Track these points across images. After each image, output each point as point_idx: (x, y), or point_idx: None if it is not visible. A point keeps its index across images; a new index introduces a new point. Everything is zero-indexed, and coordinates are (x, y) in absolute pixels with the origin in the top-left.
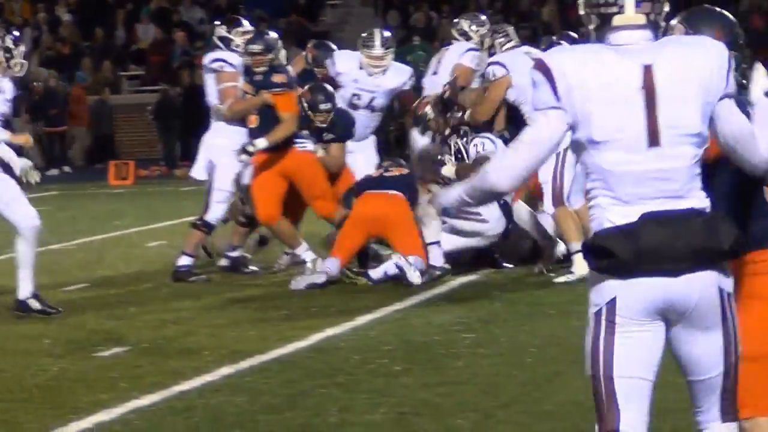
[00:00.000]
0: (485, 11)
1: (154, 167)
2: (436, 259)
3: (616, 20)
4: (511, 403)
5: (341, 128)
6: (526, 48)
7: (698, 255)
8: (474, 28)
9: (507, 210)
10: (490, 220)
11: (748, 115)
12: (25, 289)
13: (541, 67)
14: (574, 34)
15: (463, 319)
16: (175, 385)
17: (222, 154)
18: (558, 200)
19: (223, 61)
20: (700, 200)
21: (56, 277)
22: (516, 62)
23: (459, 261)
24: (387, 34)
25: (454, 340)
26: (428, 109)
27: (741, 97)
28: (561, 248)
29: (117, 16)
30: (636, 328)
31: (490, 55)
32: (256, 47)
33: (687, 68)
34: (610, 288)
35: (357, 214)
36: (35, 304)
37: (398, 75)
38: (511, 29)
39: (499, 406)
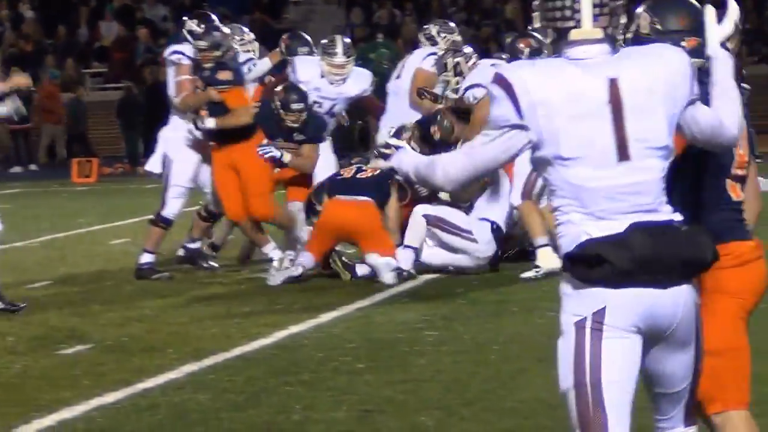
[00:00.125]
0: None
1: (118, 165)
2: (406, 262)
3: (574, 34)
4: (474, 401)
5: (313, 129)
6: (491, 61)
7: (685, 267)
8: (443, 35)
9: (498, 235)
10: (481, 241)
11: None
12: None
13: (501, 82)
14: (539, 35)
15: (426, 316)
16: (138, 382)
17: (178, 149)
18: (527, 195)
19: (182, 53)
20: (672, 213)
21: (19, 275)
22: (488, 77)
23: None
24: (347, 41)
25: (417, 337)
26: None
27: (705, 87)
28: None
29: (80, 14)
30: (623, 335)
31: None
32: (202, 44)
33: (651, 80)
34: (598, 298)
35: (325, 219)
36: None
37: (359, 82)
38: (468, 48)
39: (463, 403)
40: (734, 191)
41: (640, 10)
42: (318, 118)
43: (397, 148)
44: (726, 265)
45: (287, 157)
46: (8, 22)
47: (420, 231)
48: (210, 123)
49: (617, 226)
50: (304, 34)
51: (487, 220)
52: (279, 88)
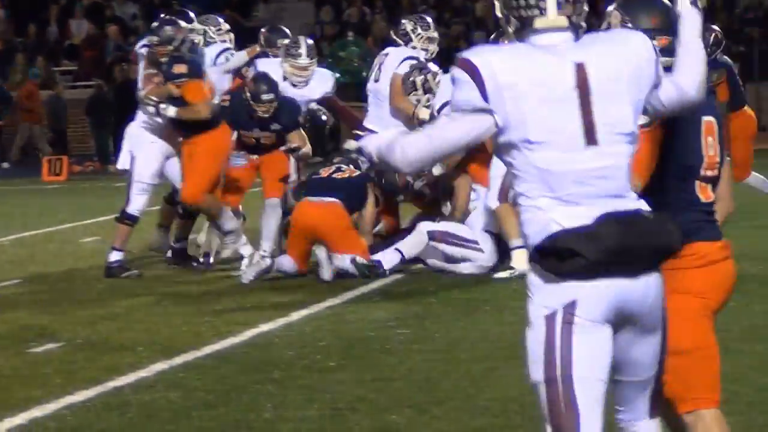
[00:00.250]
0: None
1: (88, 163)
2: (389, 263)
3: (538, 23)
4: (445, 399)
5: (287, 116)
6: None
7: (655, 255)
8: (418, 32)
9: (500, 244)
10: (486, 251)
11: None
12: None
13: (467, 66)
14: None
15: (397, 314)
16: (109, 381)
17: (141, 145)
18: (504, 197)
19: (150, 46)
20: (637, 201)
21: None
22: None
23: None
24: (311, 42)
25: (388, 336)
26: None
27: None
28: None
29: (50, 12)
30: (594, 329)
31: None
32: (155, 39)
33: (617, 66)
34: (569, 290)
35: (294, 221)
36: None
37: (322, 84)
38: (433, 66)
39: (434, 401)
40: (704, 192)
41: (611, 8)
42: (290, 104)
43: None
44: (691, 266)
45: (171, 111)
46: None
47: (418, 244)
48: (171, 112)
49: (585, 212)
50: (283, 27)
51: (489, 231)
52: (248, 80)
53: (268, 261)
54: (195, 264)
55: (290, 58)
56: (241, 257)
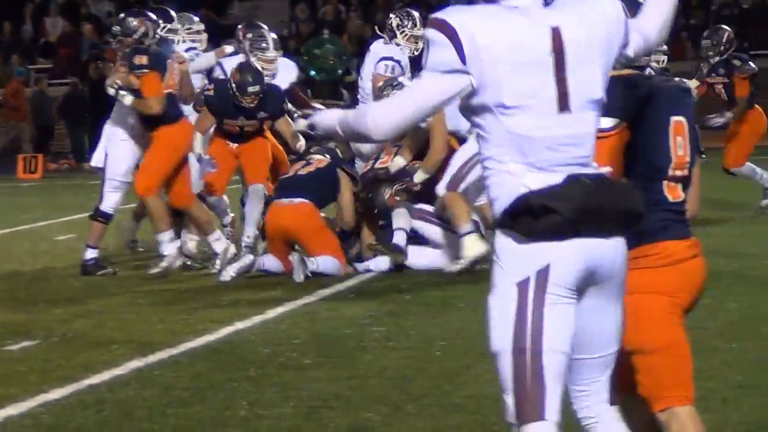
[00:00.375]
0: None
1: (63, 161)
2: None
3: None
4: (421, 396)
5: (272, 104)
6: None
7: (626, 218)
8: (404, 28)
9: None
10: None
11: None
12: None
13: (443, 27)
14: None
15: (372, 312)
16: (84, 378)
17: (115, 142)
18: (453, 186)
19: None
20: (602, 168)
21: None
22: None
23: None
24: (274, 35)
25: (364, 333)
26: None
27: None
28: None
29: (25, 10)
30: (565, 300)
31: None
32: (116, 29)
33: (590, 32)
34: (542, 254)
35: (268, 226)
36: None
37: (286, 74)
38: (404, 80)
39: (409, 399)
40: (672, 192)
41: None
42: (275, 92)
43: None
44: (658, 264)
45: (128, 99)
46: None
47: (405, 216)
48: (127, 100)
49: (556, 178)
50: (260, 24)
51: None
52: (233, 70)
53: (250, 258)
54: (189, 263)
55: (258, 52)
56: (215, 254)
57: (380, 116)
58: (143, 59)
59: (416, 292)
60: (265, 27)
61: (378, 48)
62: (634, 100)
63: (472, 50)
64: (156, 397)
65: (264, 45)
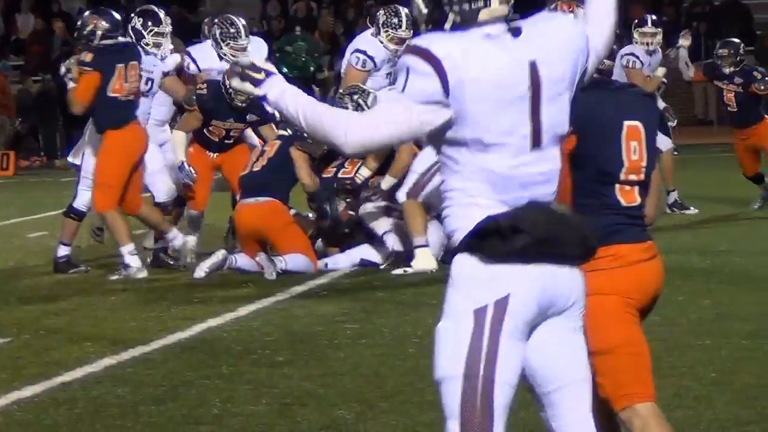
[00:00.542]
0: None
1: (35, 158)
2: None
3: (483, 15)
4: (394, 394)
5: (263, 107)
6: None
7: (581, 246)
8: (386, 28)
9: None
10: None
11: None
12: None
13: (426, 56)
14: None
15: (345, 309)
16: (56, 376)
17: (91, 140)
18: (413, 195)
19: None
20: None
21: None
22: None
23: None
24: (243, 21)
25: (336, 330)
26: None
27: None
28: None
29: None
30: (518, 333)
31: None
32: (78, 24)
33: (562, 65)
34: (503, 281)
35: (237, 225)
36: None
37: (260, 53)
38: (368, 90)
39: (383, 396)
40: (626, 196)
41: None
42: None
43: (268, 74)
44: (610, 266)
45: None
46: None
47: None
48: (69, 87)
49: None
50: (230, 16)
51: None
52: (228, 69)
53: (222, 253)
54: (172, 263)
55: (229, 40)
56: (173, 248)
57: (356, 133)
58: (88, 57)
59: (389, 289)
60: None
61: (359, 39)
62: (583, 104)
63: (457, 83)
64: (128, 395)
65: (236, 32)
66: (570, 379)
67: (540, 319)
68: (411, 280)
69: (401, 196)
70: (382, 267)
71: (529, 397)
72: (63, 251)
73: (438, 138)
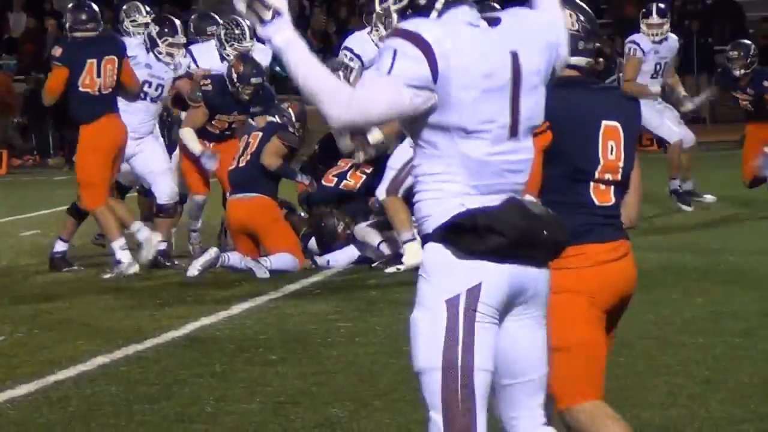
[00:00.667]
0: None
1: (27, 156)
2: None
3: None
4: (388, 392)
5: (265, 100)
6: None
7: (556, 248)
8: (380, 26)
9: None
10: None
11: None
12: None
13: (416, 40)
14: None
15: (339, 308)
16: (50, 374)
17: None
18: (393, 191)
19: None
20: (528, 195)
21: None
22: None
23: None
24: (248, 23)
25: (330, 329)
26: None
27: None
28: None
29: None
30: (490, 319)
31: None
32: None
33: (541, 57)
34: (475, 272)
35: (227, 222)
36: None
37: (265, 58)
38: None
39: (376, 394)
40: (600, 195)
41: None
42: (266, 89)
43: (277, 13)
44: (578, 265)
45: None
46: None
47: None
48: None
49: (493, 201)
50: (213, 14)
51: None
52: (234, 61)
53: (215, 251)
54: (168, 264)
55: (234, 42)
56: (140, 244)
57: (356, 107)
58: (58, 51)
59: (382, 288)
60: (218, 17)
61: (351, 38)
62: (558, 100)
63: (445, 69)
64: (122, 393)
65: (240, 34)
66: (527, 376)
67: (507, 308)
68: (404, 278)
69: (380, 193)
70: (374, 266)
71: None
72: (60, 247)
73: (418, 122)
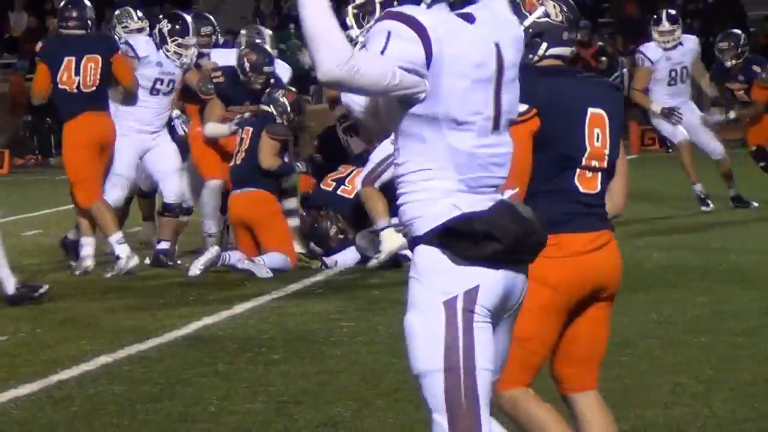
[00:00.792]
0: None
1: (29, 156)
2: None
3: None
4: (390, 391)
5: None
6: None
7: (536, 253)
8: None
9: None
10: None
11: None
12: None
13: (410, 22)
14: None
15: (341, 307)
16: (53, 374)
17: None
18: (369, 183)
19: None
20: (507, 191)
21: None
22: None
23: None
24: (270, 32)
25: (332, 328)
26: None
27: None
28: None
29: None
30: (488, 320)
31: None
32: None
33: (513, 46)
34: (472, 275)
35: (229, 218)
36: None
37: (283, 70)
38: None
39: (379, 394)
40: (585, 183)
41: None
42: (277, 78)
43: None
44: (550, 255)
45: None
46: None
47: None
48: None
49: (482, 201)
50: (207, 15)
51: None
52: (245, 51)
53: (216, 250)
54: (171, 264)
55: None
56: (79, 255)
57: (356, 65)
58: (38, 47)
59: (385, 287)
60: (212, 18)
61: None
62: (545, 88)
63: (438, 55)
64: (125, 393)
65: (263, 40)
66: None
67: (497, 314)
68: (405, 277)
69: (357, 183)
70: (368, 266)
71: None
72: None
73: (406, 113)
